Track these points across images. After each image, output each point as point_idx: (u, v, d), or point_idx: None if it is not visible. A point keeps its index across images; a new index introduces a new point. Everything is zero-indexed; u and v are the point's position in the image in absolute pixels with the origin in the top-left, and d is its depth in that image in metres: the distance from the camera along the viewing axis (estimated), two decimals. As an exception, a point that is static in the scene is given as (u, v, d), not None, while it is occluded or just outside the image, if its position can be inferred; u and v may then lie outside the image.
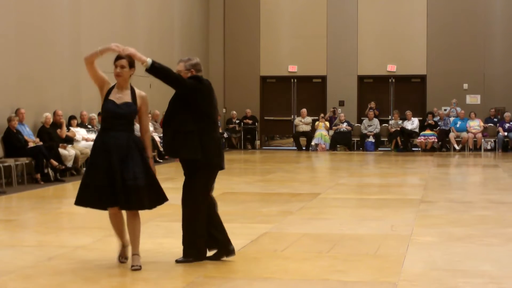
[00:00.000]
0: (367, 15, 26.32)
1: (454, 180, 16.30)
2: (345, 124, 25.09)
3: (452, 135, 24.17)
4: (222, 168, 6.92)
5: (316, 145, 24.74)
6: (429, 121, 24.44)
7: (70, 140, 16.19)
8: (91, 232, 8.57)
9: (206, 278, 6.24)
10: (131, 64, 6.59)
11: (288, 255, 7.21)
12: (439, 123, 24.52)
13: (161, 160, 19.43)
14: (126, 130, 6.58)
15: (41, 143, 14.81)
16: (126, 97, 6.60)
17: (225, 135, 25.71)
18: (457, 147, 24.00)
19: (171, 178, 13.76)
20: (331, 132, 25.00)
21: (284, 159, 21.43)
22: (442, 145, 24.35)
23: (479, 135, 24.04)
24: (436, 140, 24.17)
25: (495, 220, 9.57)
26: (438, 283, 6.09)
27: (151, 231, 8.55)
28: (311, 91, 26.93)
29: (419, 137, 24.32)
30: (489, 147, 24.34)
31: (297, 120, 25.69)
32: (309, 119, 25.42)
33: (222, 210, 10.44)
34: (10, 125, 14.29)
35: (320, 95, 26.81)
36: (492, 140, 24.26)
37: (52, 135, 15.44)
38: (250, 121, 26.28)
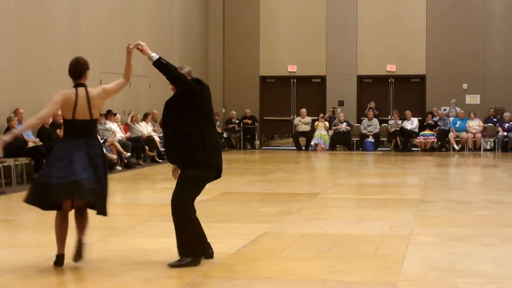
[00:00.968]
0: (366, 15, 26.31)
1: (453, 180, 16.31)
2: (344, 124, 25.09)
3: (451, 135, 24.18)
4: (219, 171, 6.84)
5: (316, 145, 24.74)
6: (429, 121, 24.44)
7: (69, 140, 16.17)
8: (91, 232, 8.54)
9: (206, 278, 6.25)
10: None
11: (288, 255, 7.21)
12: (438, 123, 24.52)
13: (161, 160, 19.44)
14: None
15: (40, 143, 14.81)
16: None
17: (225, 135, 25.72)
18: (456, 147, 24.00)
19: (171, 178, 13.74)
20: (331, 132, 25.01)
21: (284, 159, 21.43)
22: (442, 145, 24.35)
23: (479, 135, 24.05)
24: (435, 140, 24.17)
25: (495, 220, 9.57)
26: (438, 283, 6.10)
27: (150, 231, 8.56)
28: (310, 91, 26.93)
29: (418, 137, 24.32)
30: (488, 147, 24.35)
31: (297, 120, 25.69)
32: (308, 119, 25.42)
33: (222, 210, 10.49)
34: (9, 125, 14.28)
35: (319, 95, 26.81)
36: (492, 140, 24.27)
37: (51, 135, 15.45)
38: (249, 121, 26.28)
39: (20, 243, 8.11)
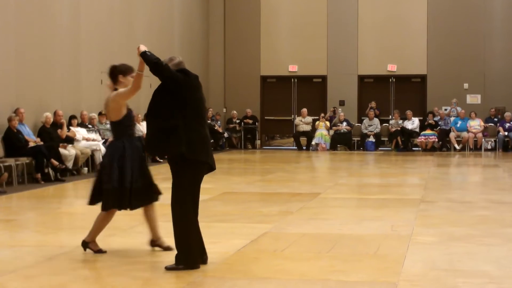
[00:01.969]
0: (367, 15, 26.31)
1: (454, 180, 16.30)
2: (345, 124, 25.09)
3: (452, 135, 24.17)
4: (211, 166, 6.63)
5: (317, 144, 24.74)
6: (430, 121, 24.44)
7: (70, 140, 16.20)
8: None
9: (206, 278, 6.24)
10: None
11: (288, 255, 7.21)
12: (439, 122, 24.52)
13: (161, 160, 19.42)
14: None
15: (41, 143, 14.81)
16: None
17: (226, 134, 25.72)
18: (457, 147, 23.99)
19: (171, 178, 13.73)
20: (332, 132, 25.01)
21: (284, 159, 21.43)
22: (443, 145, 24.35)
23: (480, 134, 24.04)
24: (436, 140, 24.17)
25: (495, 220, 9.56)
26: (438, 283, 6.09)
27: (151, 231, 8.53)
28: (311, 91, 26.93)
29: (419, 137, 24.32)
30: (489, 147, 24.34)
31: (298, 119, 25.69)
32: (309, 118, 25.42)
33: (222, 210, 10.48)
34: (10, 124, 14.29)
35: (320, 95, 26.81)
36: (493, 139, 24.26)
37: (52, 135, 15.45)
38: (250, 121, 26.28)
39: (20, 243, 8.11)
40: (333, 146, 24.86)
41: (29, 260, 6.97)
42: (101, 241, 7.97)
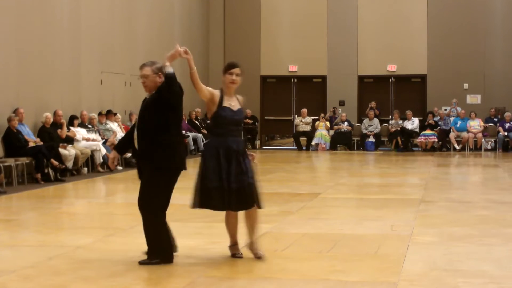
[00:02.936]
0: (367, 15, 26.32)
1: (454, 180, 16.30)
2: (345, 124, 25.09)
3: (452, 135, 24.17)
4: (184, 169, 6.75)
5: (317, 145, 24.74)
6: (429, 121, 24.44)
7: (70, 140, 16.19)
8: (91, 232, 8.57)
9: (206, 278, 6.24)
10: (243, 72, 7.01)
11: (288, 255, 7.21)
12: (439, 123, 24.52)
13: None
14: (241, 135, 7.02)
15: (41, 143, 14.81)
16: (237, 104, 7.20)
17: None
18: (457, 147, 23.99)
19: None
20: (332, 132, 25.01)
21: (284, 159, 21.43)
22: (443, 145, 24.35)
23: (479, 135, 24.04)
24: (436, 140, 24.17)
25: (495, 220, 9.56)
26: (438, 283, 6.09)
27: (151, 231, 8.52)
28: (311, 91, 26.93)
29: (419, 137, 24.32)
30: (489, 147, 24.35)
31: (298, 120, 25.69)
32: (309, 119, 25.42)
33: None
34: (10, 125, 14.29)
35: (320, 95, 26.81)
36: (492, 140, 24.26)
37: (52, 135, 15.45)
38: (250, 121, 26.27)
39: (20, 243, 8.11)
40: (333, 146, 24.86)
41: (29, 260, 6.97)
42: (102, 241, 7.98)
